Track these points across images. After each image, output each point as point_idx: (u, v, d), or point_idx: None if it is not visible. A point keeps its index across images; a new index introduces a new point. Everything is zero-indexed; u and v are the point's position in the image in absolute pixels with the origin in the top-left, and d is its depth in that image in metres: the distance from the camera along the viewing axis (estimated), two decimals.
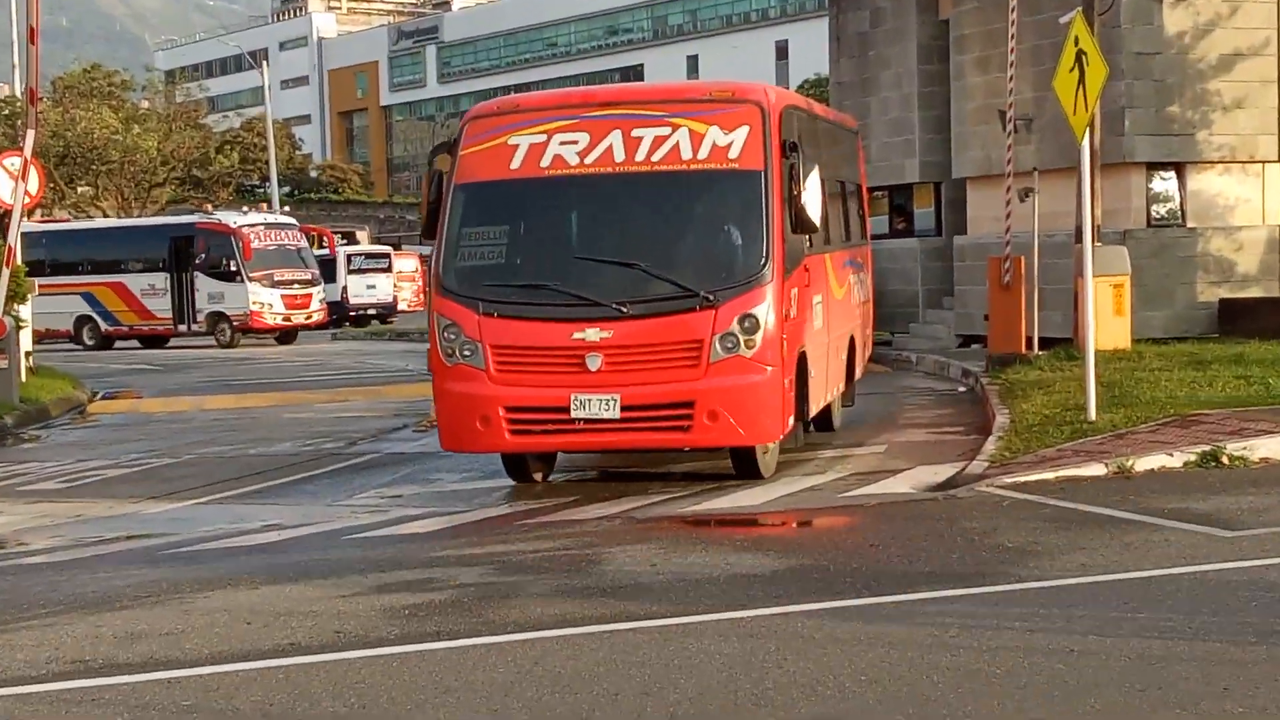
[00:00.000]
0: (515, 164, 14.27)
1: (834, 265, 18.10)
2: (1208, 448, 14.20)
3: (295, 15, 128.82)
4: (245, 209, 57.12)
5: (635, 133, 14.08)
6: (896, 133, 31.71)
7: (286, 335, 41.89)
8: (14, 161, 25.02)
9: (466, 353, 13.71)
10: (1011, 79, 25.21)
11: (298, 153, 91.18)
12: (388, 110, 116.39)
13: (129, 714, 7.56)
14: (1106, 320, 21.53)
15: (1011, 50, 25.20)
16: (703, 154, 14.17)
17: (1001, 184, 25.92)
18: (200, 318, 41.39)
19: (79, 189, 63.52)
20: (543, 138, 14.22)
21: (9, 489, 17.06)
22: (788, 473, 15.10)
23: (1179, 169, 26.41)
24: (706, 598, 9.64)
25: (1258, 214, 26.87)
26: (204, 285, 40.96)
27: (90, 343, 42.93)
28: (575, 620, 9.18)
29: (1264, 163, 26.71)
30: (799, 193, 14.21)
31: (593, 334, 13.48)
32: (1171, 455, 14.11)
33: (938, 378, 24.49)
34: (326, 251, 51.11)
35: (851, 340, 19.33)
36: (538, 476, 15.49)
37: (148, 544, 12.22)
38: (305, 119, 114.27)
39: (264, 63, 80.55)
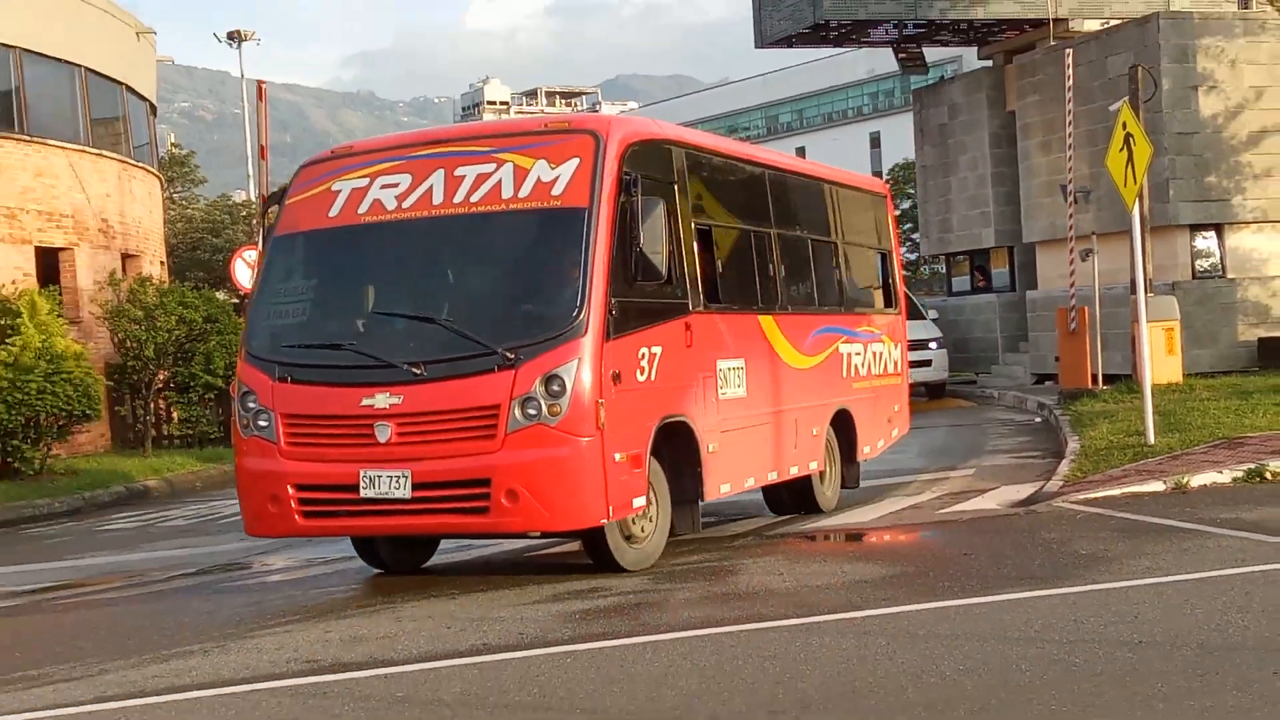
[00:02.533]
0: (334, 212, 10.80)
1: (790, 329, 13.07)
2: (1253, 465, 14.00)
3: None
4: None
5: (458, 171, 10.55)
6: (974, 206, 31.57)
7: None
8: (251, 254, 25.76)
9: (261, 423, 10.36)
10: (1070, 158, 25.25)
11: None
12: None
13: (353, 704, 7.67)
14: (1160, 359, 21.29)
15: (1069, 135, 25.27)
16: (524, 192, 10.36)
17: (1065, 246, 25.87)
18: None
19: None
20: (365, 181, 10.80)
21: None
22: (892, 493, 14.94)
23: (1218, 229, 26.22)
24: (826, 601, 9.61)
25: None
26: None
27: None
28: (717, 621, 9.17)
29: None
30: (641, 236, 10.11)
31: (381, 400, 9.96)
32: (1221, 472, 13.90)
33: (1016, 410, 24.16)
34: None
35: (846, 415, 14.15)
36: (396, 563, 11.97)
37: (362, 564, 12.31)
38: None
39: None
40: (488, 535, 11.38)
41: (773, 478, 12.72)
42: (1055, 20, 28.45)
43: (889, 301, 16.15)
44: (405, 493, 9.85)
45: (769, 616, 9.20)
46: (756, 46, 31.22)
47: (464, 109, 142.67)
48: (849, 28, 29.68)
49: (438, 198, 10.52)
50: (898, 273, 16.42)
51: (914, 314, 26.79)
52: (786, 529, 13.35)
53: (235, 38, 47.45)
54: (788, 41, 30.86)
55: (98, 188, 26.55)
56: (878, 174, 75.21)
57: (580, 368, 9.82)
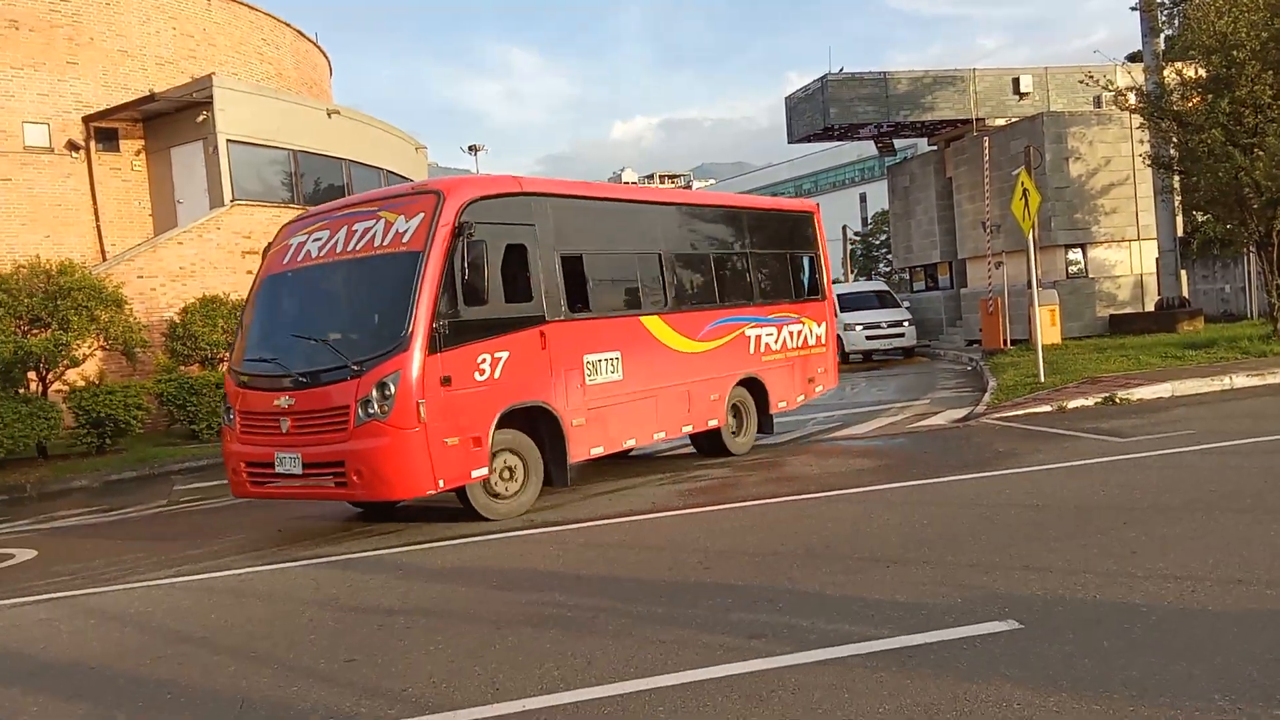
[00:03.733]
0: (284, 260, 9.73)
1: (679, 323, 11.12)
2: (1108, 394, 13.53)
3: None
4: None
5: (355, 226, 9.35)
6: (926, 236, 31.08)
7: None
8: None
9: (230, 417, 9.41)
10: (987, 205, 25.02)
11: None
12: None
13: (556, 546, 7.82)
14: (1047, 329, 20.80)
15: (986, 190, 25.04)
16: (386, 240, 9.09)
17: (984, 260, 25.66)
18: None
19: None
20: (305, 237, 9.69)
21: None
22: (877, 416, 14.73)
23: (1083, 247, 25.65)
24: (840, 481, 9.54)
25: (1128, 268, 25.82)
26: None
27: None
28: (774, 495, 9.18)
29: (1129, 241, 25.79)
30: (467, 269, 8.70)
31: (283, 401, 8.88)
32: (1087, 399, 13.48)
33: (955, 363, 23.62)
34: None
35: (757, 381, 12.17)
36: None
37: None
38: None
39: None
40: (352, 501, 9.72)
41: (659, 437, 10.85)
42: (976, 119, 28.32)
43: (814, 292, 13.70)
44: (298, 470, 8.77)
45: (806, 491, 9.19)
46: (789, 142, 31.18)
47: None
48: (846, 129, 29.50)
49: (339, 247, 9.33)
50: (824, 270, 14.00)
51: (893, 303, 27.46)
52: (814, 439, 13.28)
53: (474, 149, 47.78)
54: (807, 139, 30.74)
55: None
56: (865, 220, 74.19)
57: (403, 376, 8.39)
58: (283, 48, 28.79)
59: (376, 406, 8.42)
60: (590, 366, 10.03)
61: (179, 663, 5.60)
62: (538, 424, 9.48)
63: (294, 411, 8.78)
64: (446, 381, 8.63)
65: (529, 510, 9.24)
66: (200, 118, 22.04)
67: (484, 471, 8.88)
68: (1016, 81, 28.59)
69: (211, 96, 21.73)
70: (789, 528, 7.76)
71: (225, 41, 26.37)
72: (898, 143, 32.80)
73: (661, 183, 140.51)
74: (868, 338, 25.75)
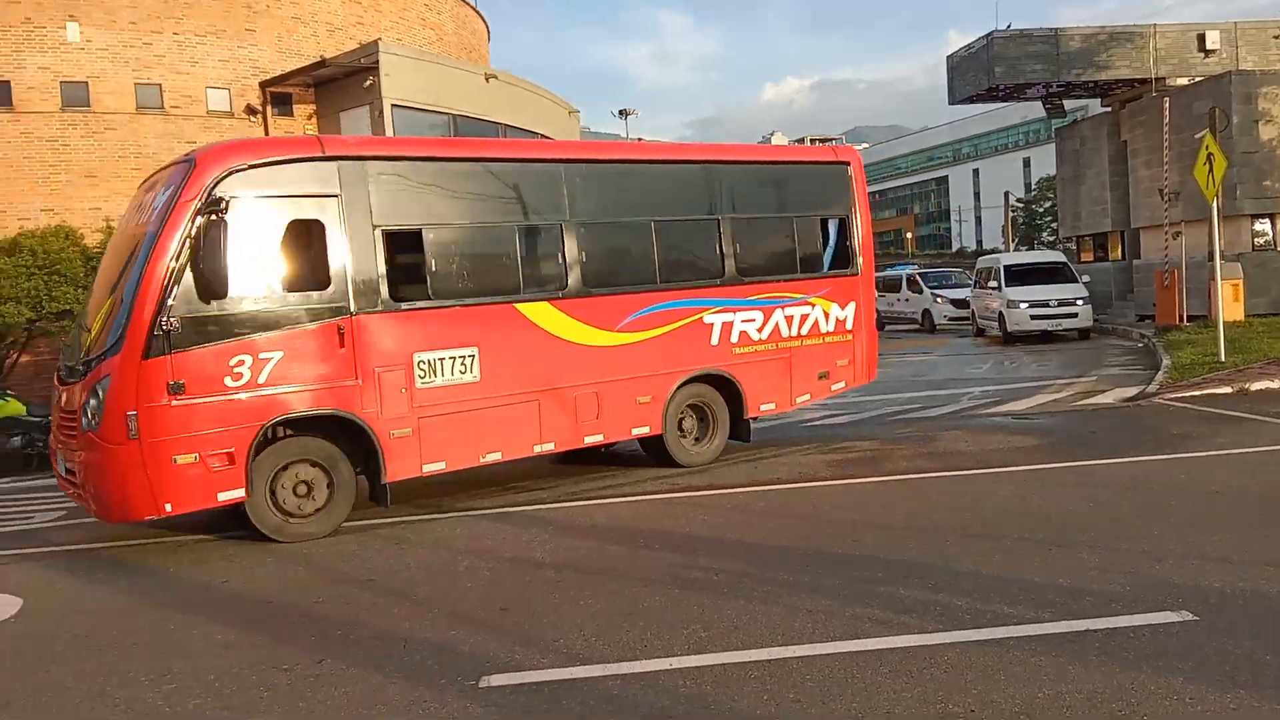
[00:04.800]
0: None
1: (586, 311, 8.85)
2: None
3: None
4: None
5: (145, 197, 7.86)
6: (1096, 203, 29.39)
7: None
8: None
9: None
10: (1165, 171, 23.30)
11: None
12: None
13: (699, 509, 7.88)
14: (1229, 304, 19.37)
15: (1165, 154, 23.44)
16: (141, 218, 7.55)
17: (1161, 230, 23.87)
18: None
19: None
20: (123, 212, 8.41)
21: None
22: (1039, 392, 14.09)
23: (1272, 217, 23.71)
24: (996, 459, 9.23)
25: None
26: None
27: None
28: (925, 470, 8.96)
29: None
30: (214, 254, 6.96)
31: (63, 396, 7.68)
32: (1273, 381, 12.55)
33: (1125, 339, 22.36)
34: None
35: (722, 379, 9.72)
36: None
37: None
38: None
39: None
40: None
41: (544, 449, 8.73)
42: (1155, 79, 26.47)
43: (841, 264, 10.66)
44: (64, 472, 7.68)
45: (960, 467, 8.93)
46: (950, 103, 29.99)
47: None
48: (1011, 89, 28.11)
49: (126, 222, 8.08)
50: (861, 236, 10.74)
51: (1070, 277, 23.90)
52: (970, 413, 12.81)
53: (624, 113, 48.06)
54: (969, 100, 29.44)
55: None
56: (1028, 186, 70.76)
57: (112, 382, 6.96)
58: (444, 12, 29.59)
59: (90, 416, 7.12)
60: (424, 367, 8.08)
61: (346, 602, 5.95)
62: (357, 436, 7.80)
63: (59, 408, 7.76)
64: (177, 389, 7.01)
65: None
66: (367, 82, 22.93)
67: (238, 494, 7.28)
68: (1201, 38, 26.60)
69: (378, 62, 22.55)
70: (942, 504, 7.57)
71: (390, 7, 27.30)
72: (1068, 104, 31.10)
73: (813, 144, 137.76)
74: (1033, 317, 22.88)
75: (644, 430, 9.35)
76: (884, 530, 6.80)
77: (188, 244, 7.07)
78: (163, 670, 4.97)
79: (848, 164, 10.95)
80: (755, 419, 10.22)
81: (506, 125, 25.91)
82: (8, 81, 21.60)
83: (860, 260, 10.84)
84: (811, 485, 8.57)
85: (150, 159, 20.59)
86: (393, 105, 23.00)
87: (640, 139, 27.46)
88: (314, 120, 24.75)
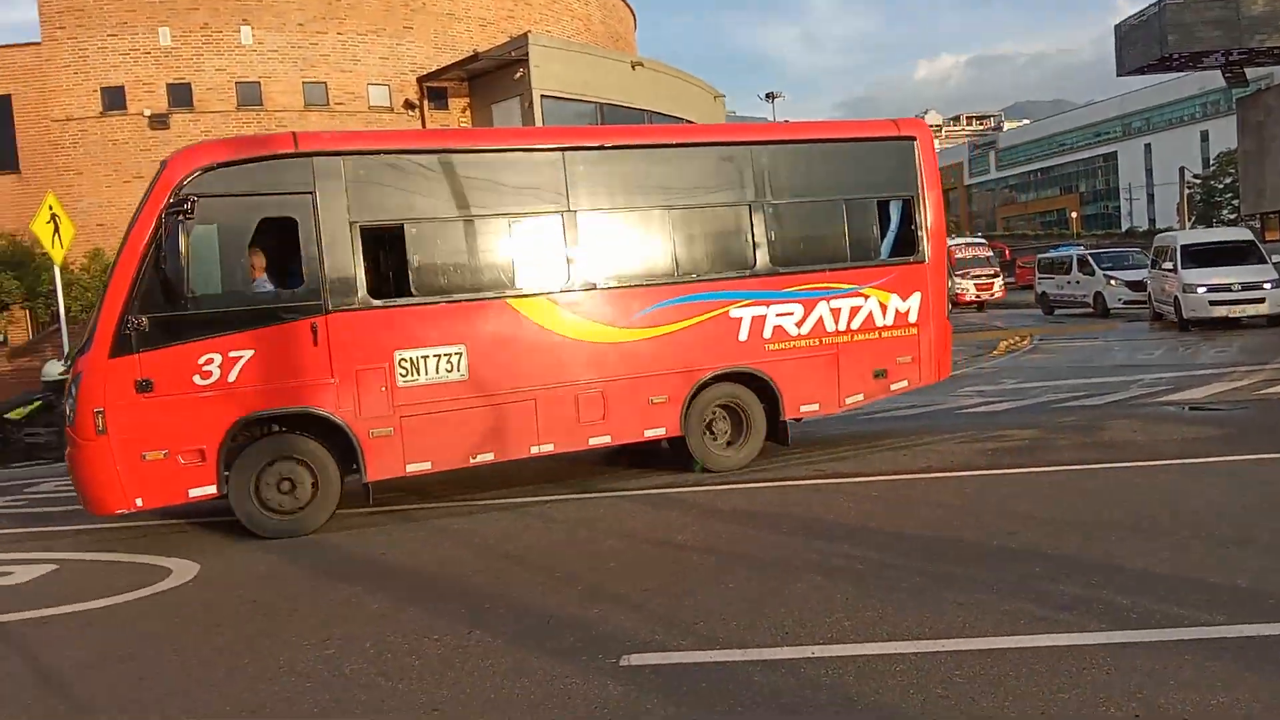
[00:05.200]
0: None
1: (591, 306, 8.45)
2: None
3: None
4: (953, 235, 52.64)
5: None
6: None
7: (980, 307, 34.25)
8: None
9: None
10: None
11: None
12: (968, 188, 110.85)
13: (843, 495, 7.73)
14: None
15: None
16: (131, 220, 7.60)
17: None
18: None
19: None
20: None
21: None
22: (1217, 380, 13.11)
23: None
24: (1167, 450, 8.67)
25: None
26: None
27: None
28: (1089, 461, 8.50)
29: None
30: (183, 253, 7.04)
31: None
32: None
33: None
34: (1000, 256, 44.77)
35: (754, 377, 9.03)
36: None
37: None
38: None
39: None
40: None
41: (542, 450, 8.33)
42: None
43: (904, 250, 9.69)
44: None
45: (1127, 459, 8.42)
46: (1118, 75, 28.46)
47: None
48: (1186, 58, 26.32)
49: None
50: (931, 218, 9.73)
51: (1258, 258, 21.00)
52: (1142, 401, 12.06)
53: (771, 97, 47.53)
54: (1140, 70, 27.75)
55: None
56: (1206, 161, 66.13)
57: (83, 380, 7.18)
58: (591, 2, 29.94)
59: (69, 410, 7.40)
60: (406, 365, 7.86)
61: (495, 577, 6.12)
62: (335, 434, 7.74)
63: None
64: (145, 387, 7.13)
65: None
66: (517, 74, 23.46)
67: (209, 490, 7.37)
68: None
69: (528, 54, 23.04)
70: (1107, 496, 7.16)
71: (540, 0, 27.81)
72: (1250, 72, 28.92)
73: (970, 124, 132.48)
74: (1213, 303, 20.58)
75: (659, 432, 8.79)
76: (1041, 523, 6.48)
77: (156, 245, 7.14)
78: (323, 635, 5.23)
79: (913, 139, 9.82)
80: (799, 420, 9.57)
81: (652, 112, 26.03)
82: (189, 84, 23.15)
83: (928, 246, 9.76)
84: (963, 474, 8.26)
85: None
86: (541, 96, 23.45)
87: (785, 121, 27.08)
88: (468, 113, 25.52)
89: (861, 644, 4.59)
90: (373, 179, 7.93)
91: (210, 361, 7.29)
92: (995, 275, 35.62)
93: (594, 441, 8.56)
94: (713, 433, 9.07)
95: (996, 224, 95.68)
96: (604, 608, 5.35)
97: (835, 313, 9.33)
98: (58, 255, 14.92)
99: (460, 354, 8.00)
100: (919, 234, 9.75)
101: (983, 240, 40.66)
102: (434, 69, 24.76)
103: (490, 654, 4.80)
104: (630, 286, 8.66)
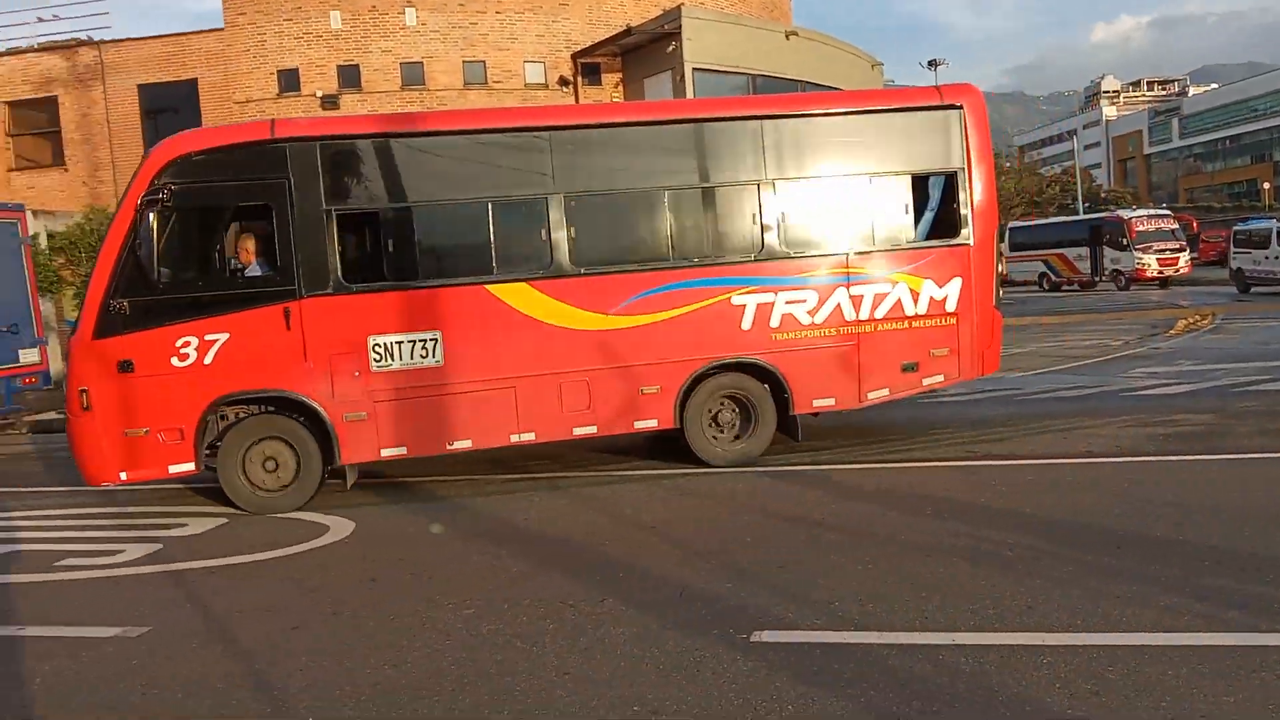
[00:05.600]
0: None
1: (575, 292, 8.09)
2: None
3: (1090, 109, 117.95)
4: (1134, 206, 49.98)
5: None
6: None
7: (1164, 283, 33.04)
8: None
9: None
10: None
11: (1094, 184, 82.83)
12: (1148, 158, 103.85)
13: (998, 476, 7.38)
14: None
15: None
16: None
17: None
18: (1106, 273, 34.26)
19: None
20: None
21: None
22: None
23: None
24: None
25: None
26: (1108, 254, 33.98)
27: (1045, 288, 36.72)
28: (1270, 449, 7.83)
29: None
30: (160, 240, 7.35)
31: None
32: None
33: None
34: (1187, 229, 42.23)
35: (761, 369, 8.46)
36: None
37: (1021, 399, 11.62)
38: (1098, 166, 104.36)
39: (1074, 136, 75.53)
40: None
41: (523, 439, 8.09)
42: None
43: (942, 232, 8.86)
44: None
45: None
46: None
47: (1085, 98, 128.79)
48: None
49: None
50: (977, 196, 8.77)
51: None
52: None
53: (933, 64, 45.76)
54: None
55: None
56: None
57: (71, 359, 7.59)
58: None
59: (65, 388, 7.78)
60: (379, 350, 7.82)
61: (631, 547, 6.15)
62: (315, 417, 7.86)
63: None
64: (126, 367, 7.45)
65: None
66: (670, 48, 23.38)
67: (188, 467, 7.64)
68: None
69: (680, 26, 22.91)
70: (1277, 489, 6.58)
71: None
72: None
73: (1151, 89, 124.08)
74: None
75: (651, 424, 8.36)
76: (1213, 514, 6.02)
77: (134, 232, 7.38)
78: (464, 596, 5.39)
79: (959, 108, 8.80)
80: (815, 415, 8.94)
81: (806, 82, 25.50)
82: (357, 65, 24.14)
83: (974, 227, 8.79)
84: (1129, 460, 7.76)
85: None
86: (694, 69, 23.31)
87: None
88: (620, 88, 25.65)
89: (1006, 633, 4.38)
90: (348, 165, 7.93)
91: (187, 344, 7.51)
92: (1180, 250, 33.32)
93: (579, 432, 8.27)
94: (718, 424, 8.59)
95: (1179, 195, 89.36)
96: (737, 582, 5.29)
97: (856, 300, 8.60)
98: None
99: (436, 340, 7.91)
100: (961, 213, 8.81)
101: (1167, 212, 38.10)
102: (588, 45, 24.97)
103: (622, 622, 4.83)
104: (616, 272, 8.26)
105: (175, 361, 7.50)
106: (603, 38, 24.92)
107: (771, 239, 8.48)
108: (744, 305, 8.40)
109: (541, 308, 8.08)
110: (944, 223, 8.89)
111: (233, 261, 8.06)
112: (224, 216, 7.86)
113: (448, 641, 4.73)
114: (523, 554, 6.15)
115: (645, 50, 24.58)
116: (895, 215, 8.80)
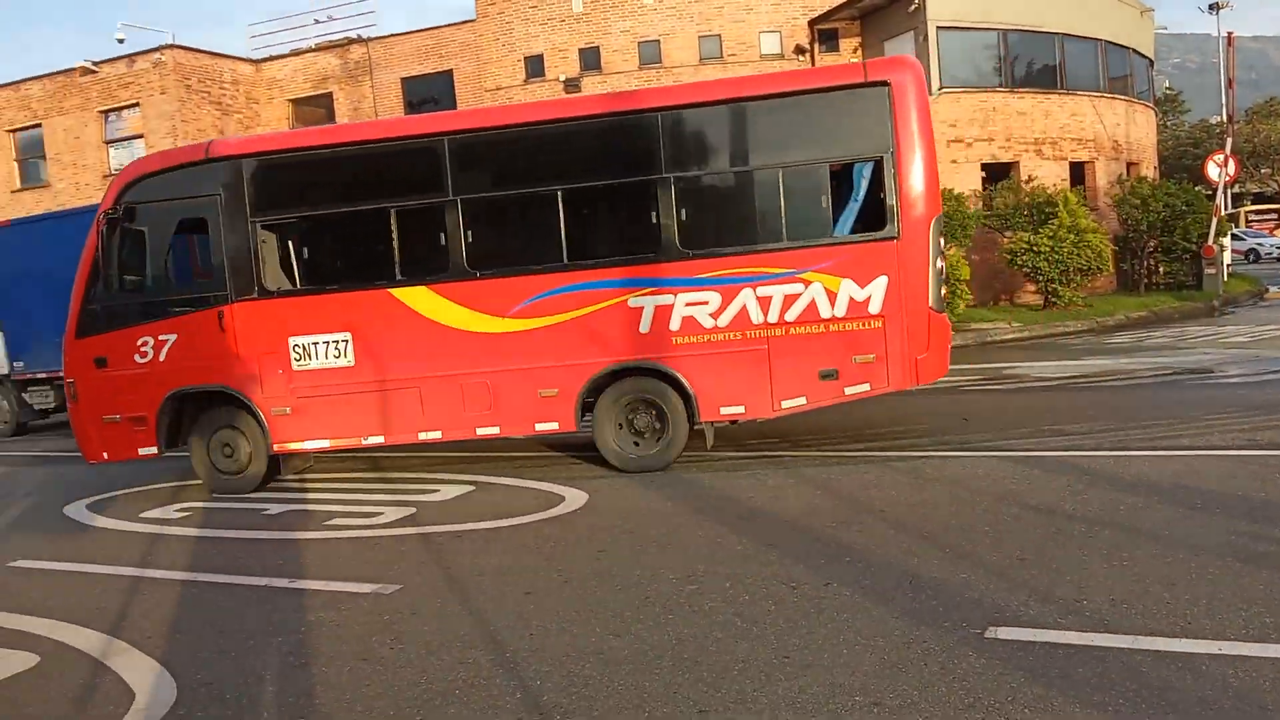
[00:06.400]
0: None
1: (471, 296, 8.15)
2: None
3: None
4: None
5: None
6: None
7: None
8: (1219, 157, 22.93)
9: None
10: None
11: None
12: None
13: (1258, 466, 6.56)
14: None
15: None
16: None
17: None
18: None
19: (1262, 170, 54.52)
20: None
21: (1214, 339, 15.37)
22: None
23: None
24: None
25: None
26: None
27: None
28: None
29: None
30: (117, 253, 8.43)
31: None
32: None
33: None
34: None
35: (664, 373, 8.10)
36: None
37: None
38: None
39: None
40: None
41: (431, 437, 8.34)
42: None
43: (868, 224, 8.03)
44: None
45: None
46: None
47: None
48: None
49: None
50: (908, 184, 7.80)
51: None
52: None
53: (1215, 8, 41.18)
54: None
55: (1110, 119, 24.84)
56: None
57: (64, 355, 8.68)
58: None
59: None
60: (298, 350, 8.41)
61: (857, 530, 5.98)
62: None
63: None
64: (101, 363, 8.57)
65: None
66: (911, 7, 22.37)
67: (152, 450, 8.62)
68: None
69: None
70: None
71: None
72: None
73: None
74: None
75: (551, 426, 8.20)
76: None
77: (102, 243, 8.36)
78: (688, 570, 5.43)
79: (885, 84, 7.86)
80: (734, 423, 8.51)
81: (1064, 35, 23.70)
82: (597, 47, 24.75)
83: (902, 219, 7.83)
84: (1239, 454, 6.69)
85: None
86: (938, 28, 22.22)
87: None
88: (859, 52, 24.85)
89: None
90: (269, 179, 8.51)
91: (145, 344, 8.51)
92: None
93: (481, 431, 8.34)
94: (636, 429, 8.34)
95: None
96: (971, 573, 5.01)
97: (764, 302, 7.96)
98: None
99: (347, 341, 8.36)
100: (888, 204, 7.88)
101: None
102: (824, 10, 24.33)
103: (846, 608, 4.70)
104: (511, 275, 8.19)
105: (137, 358, 8.54)
106: (840, 2, 24.20)
107: (670, 238, 8.02)
108: (641, 307, 8.05)
109: (441, 311, 8.27)
110: (867, 215, 8.09)
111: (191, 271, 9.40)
112: (171, 229, 8.66)
113: (670, 616, 4.78)
114: (747, 532, 6.13)
115: (885, 12, 23.65)
116: (810, 208, 8.08)
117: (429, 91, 26.06)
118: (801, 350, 7.98)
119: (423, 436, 8.43)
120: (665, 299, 8.03)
